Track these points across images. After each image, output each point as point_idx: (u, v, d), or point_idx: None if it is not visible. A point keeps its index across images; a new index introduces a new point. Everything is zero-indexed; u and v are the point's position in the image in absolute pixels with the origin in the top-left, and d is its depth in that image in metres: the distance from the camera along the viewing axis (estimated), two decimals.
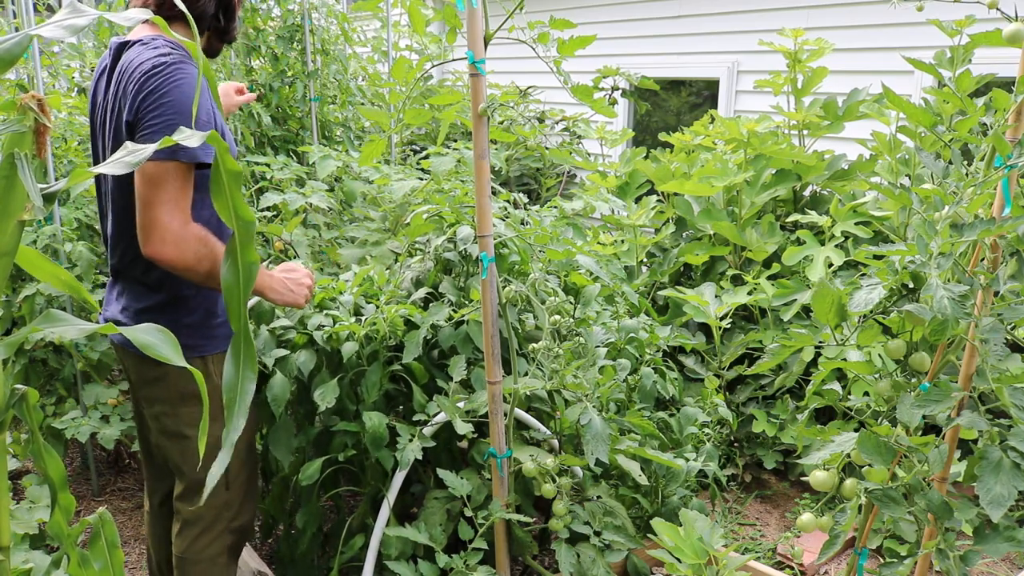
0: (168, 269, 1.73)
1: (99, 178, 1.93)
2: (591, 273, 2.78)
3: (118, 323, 1.91)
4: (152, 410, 1.96)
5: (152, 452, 2.14)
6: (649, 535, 2.08)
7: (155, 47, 1.77)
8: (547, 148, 5.55)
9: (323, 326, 2.28)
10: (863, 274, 1.72)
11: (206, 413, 0.99)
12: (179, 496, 2.01)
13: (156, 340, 0.94)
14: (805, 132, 4.02)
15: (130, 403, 3.10)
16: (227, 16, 1.99)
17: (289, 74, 4.13)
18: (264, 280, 1.91)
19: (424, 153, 3.25)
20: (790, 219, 3.77)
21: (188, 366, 1.00)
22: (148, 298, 1.87)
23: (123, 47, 1.84)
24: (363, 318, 2.28)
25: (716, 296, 3.61)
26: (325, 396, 2.16)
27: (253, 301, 2.27)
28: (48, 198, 0.83)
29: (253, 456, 2.10)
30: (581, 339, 2.29)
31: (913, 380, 1.72)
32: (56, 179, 3.01)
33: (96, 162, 1.95)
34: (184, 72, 1.74)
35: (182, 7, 0.95)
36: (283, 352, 2.22)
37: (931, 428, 1.72)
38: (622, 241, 4.05)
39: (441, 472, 2.15)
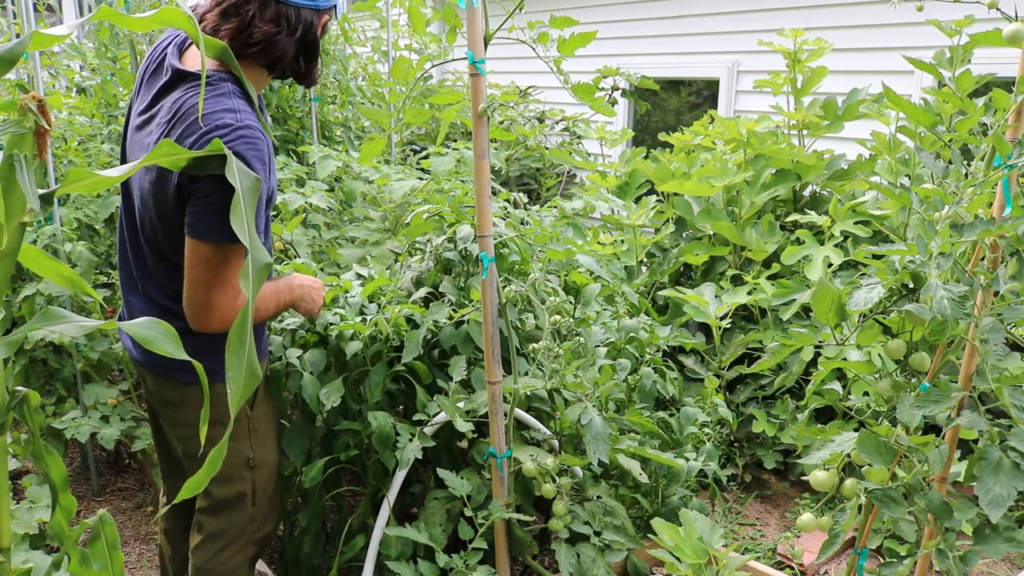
0: None
1: (126, 190, 1.84)
2: (591, 272, 2.78)
3: (136, 345, 1.88)
4: (175, 431, 1.93)
5: (171, 452, 2.12)
6: (649, 535, 2.08)
7: (221, 94, 1.63)
8: (547, 148, 5.55)
9: (332, 324, 2.29)
10: (863, 274, 1.73)
11: (205, 416, 0.99)
12: (202, 510, 1.98)
13: (155, 334, 0.94)
14: (805, 132, 4.03)
15: (130, 403, 3.10)
16: (308, 58, 1.81)
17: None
18: (296, 292, 1.97)
19: (424, 153, 3.25)
20: (790, 219, 3.77)
21: (191, 359, 0.99)
22: (169, 322, 1.81)
23: (183, 77, 1.68)
24: (367, 318, 2.28)
25: (716, 296, 3.61)
26: (330, 396, 2.17)
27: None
28: (45, 200, 0.83)
29: (279, 469, 2.08)
30: (581, 339, 2.29)
31: (913, 380, 1.72)
32: (57, 180, 3.01)
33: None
34: (250, 139, 1.60)
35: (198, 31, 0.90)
36: (299, 352, 2.23)
37: (931, 428, 1.72)
38: (622, 241, 4.05)
39: (441, 472, 2.15)
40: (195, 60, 1.73)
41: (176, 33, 1.81)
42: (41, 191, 0.83)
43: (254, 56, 1.73)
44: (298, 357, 2.21)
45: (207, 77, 1.66)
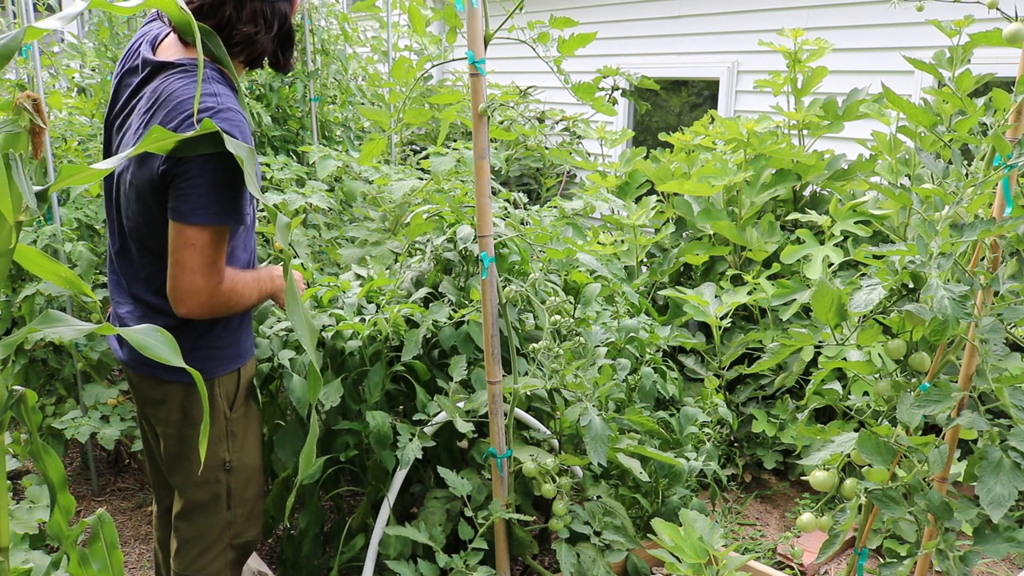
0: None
1: (109, 190, 1.85)
2: (592, 272, 2.78)
3: (121, 344, 1.88)
4: (157, 429, 1.93)
5: (158, 461, 2.11)
6: (649, 535, 2.08)
7: (201, 79, 1.68)
8: (547, 148, 5.55)
9: (327, 326, 2.29)
10: (863, 274, 1.72)
11: (207, 419, 0.99)
12: (178, 515, 1.96)
13: (154, 341, 0.94)
14: (805, 132, 4.02)
15: (130, 403, 3.10)
16: (284, 48, 1.85)
17: (289, 74, 4.14)
18: (276, 282, 1.95)
19: (424, 153, 3.25)
20: (790, 219, 3.76)
21: (187, 367, 0.99)
22: (155, 320, 1.78)
23: (160, 67, 1.70)
24: (365, 318, 2.28)
25: (716, 296, 3.61)
26: (329, 396, 2.16)
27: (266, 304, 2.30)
28: (40, 197, 0.83)
29: (261, 474, 2.06)
30: (581, 339, 2.29)
31: (913, 380, 1.72)
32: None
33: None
34: (232, 120, 1.62)
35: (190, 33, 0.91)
36: (292, 353, 2.22)
37: (931, 428, 1.72)
38: (622, 241, 4.05)
39: (442, 470, 2.15)
40: (168, 51, 1.75)
41: (147, 31, 1.83)
42: (37, 188, 0.83)
43: (234, 55, 1.76)
44: (290, 359, 2.20)
45: (185, 65, 1.68)
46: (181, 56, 1.71)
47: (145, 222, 1.73)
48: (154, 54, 1.76)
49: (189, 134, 1.00)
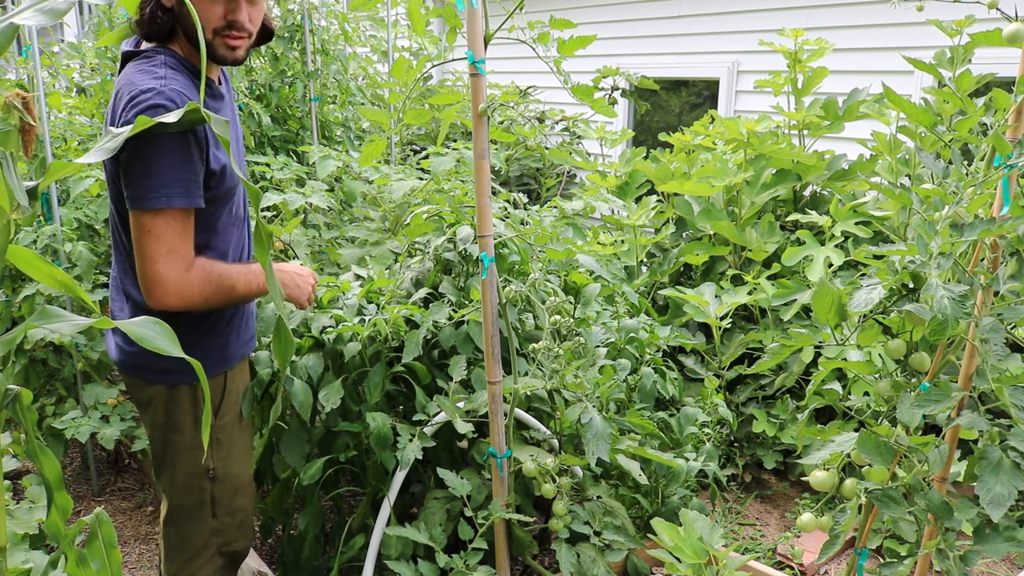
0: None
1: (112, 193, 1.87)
2: (591, 272, 2.77)
3: (115, 345, 1.88)
4: (146, 431, 1.92)
5: None
6: (649, 535, 2.08)
7: (153, 64, 1.66)
8: (547, 148, 5.55)
9: (328, 327, 2.28)
10: (863, 274, 1.72)
11: (207, 417, 0.98)
12: (165, 519, 1.95)
13: (152, 332, 0.94)
14: (805, 132, 4.02)
15: (130, 403, 3.10)
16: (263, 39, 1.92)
17: (289, 74, 4.14)
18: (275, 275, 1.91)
19: (424, 153, 3.25)
20: (790, 219, 3.76)
21: (186, 356, 0.98)
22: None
23: (127, 57, 1.73)
24: (365, 319, 2.28)
25: (716, 296, 3.61)
26: (330, 397, 2.16)
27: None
28: (31, 194, 0.82)
29: (251, 485, 2.04)
30: (581, 339, 2.28)
31: (913, 380, 1.72)
32: (57, 181, 3.00)
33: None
34: (176, 101, 1.60)
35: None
36: (293, 358, 2.22)
37: (931, 428, 1.72)
38: (622, 241, 4.05)
39: (441, 472, 2.14)
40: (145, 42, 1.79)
41: None
42: (27, 183, 0.83)
43: (175, 39, 1.76)
44: (292, 363, 2.19)
45: (146, 52, 1.71)
46: (148, 46, 1.75)
47: (120, 217, 1.74)
48: (136, 46, 1.79)
49: (155, 120, 0.99)
